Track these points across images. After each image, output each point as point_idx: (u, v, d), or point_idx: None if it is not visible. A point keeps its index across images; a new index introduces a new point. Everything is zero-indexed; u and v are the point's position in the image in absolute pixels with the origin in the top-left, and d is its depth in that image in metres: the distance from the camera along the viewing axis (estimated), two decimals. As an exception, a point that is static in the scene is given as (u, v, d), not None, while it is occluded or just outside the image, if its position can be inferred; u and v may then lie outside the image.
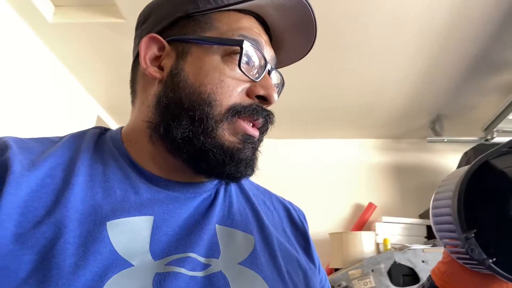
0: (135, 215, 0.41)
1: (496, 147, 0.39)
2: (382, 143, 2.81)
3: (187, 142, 0.45)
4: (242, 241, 0.48)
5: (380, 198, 2.60)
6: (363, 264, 2.03)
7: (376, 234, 2.25)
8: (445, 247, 0.45)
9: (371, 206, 2.53)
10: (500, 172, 0.38)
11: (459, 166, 2.35)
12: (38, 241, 0.34)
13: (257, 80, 0.49)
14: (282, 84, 0.59)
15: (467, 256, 0.38)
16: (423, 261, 1.91)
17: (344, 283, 2.00)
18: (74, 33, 1.74)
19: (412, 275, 1.89)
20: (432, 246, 2.01)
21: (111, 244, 0.37)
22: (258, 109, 0.48)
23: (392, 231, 2.27)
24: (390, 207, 2.57)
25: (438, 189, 0.45)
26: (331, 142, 2.85)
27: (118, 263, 0.36)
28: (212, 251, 0.44)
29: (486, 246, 0.37)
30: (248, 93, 0.48)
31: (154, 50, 0.50)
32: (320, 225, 2.61)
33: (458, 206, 0.38)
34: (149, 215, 0.42)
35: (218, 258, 0.43)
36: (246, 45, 0.47)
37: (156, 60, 0.50)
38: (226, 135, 0.46)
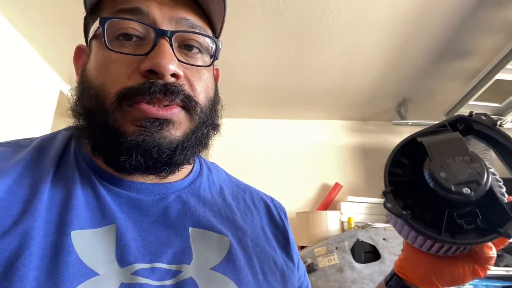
0: (97, 227, 0.39)
1: (427, 127, 0.45)
2: (350, 125, 2.87)
3: (90, 139, 0.43)
4: (216, 243, 0.45)
5: (346, 178, 2.68)
6: (328, 242, 2.11)
7: (341, 213, 2.33)
8: (402, 236, 0.48)
9: (337, 186, 2.61)
10: (421, 145, 0.42)
11: (421, 148, 2.46)
12: (2, 252, 0.33)
13: (146, 54, 0.42)
14: (215, 45, 0.48)
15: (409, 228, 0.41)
16: (384, 239, 2.01)
17: (309, 260, 2.07)
18: (34, 5, 1.63)
19: (373, 252, 1.98)
20: (393, 225, 2.11)
21: (76, 253, 0.36)
22: (147, 86, 0.40)
23: (356, 210, 2.35)
24: (355, 187, 2.66)
25: None
26: (300, 122, 2.88)
27: (83, 272, 0.35)
28: (184, 256, 0.42)
29: (405, 202, 0.41)
30: (140, 72, 0.42)
31: (83, 59, 0.49)
32: (288, 204, 2.65)
33: (384, 172, 0.43)
34: (111, 223, 0.40)
35: (189, 264, 0.41)
36: (109, 22, 0.42)
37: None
38: (124, 125, 0.41)
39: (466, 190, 0.36)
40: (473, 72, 2.03)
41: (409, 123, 2.45)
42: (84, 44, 0.51)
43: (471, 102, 2.04)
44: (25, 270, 0.33)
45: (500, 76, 1.75)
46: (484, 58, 1.92)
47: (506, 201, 0.38)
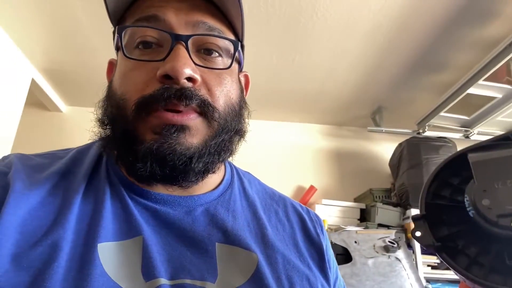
0: (123, 239, 0.39)
1: (487, 140, 0.37)
2: (326, 129, 2.93)
3: (116, 150, 0.43)
4: (243, 261, 0.43)
5: (321, 181, 2.74)
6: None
7: (315, 216, 2.38)
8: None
9: (312, 188, 2.65)
10: (468, 164, 0.36)
11: (393, 155, 2.55)
12: (33, 263, 0.33)
13: (162, 59, 0.41)
14: (234, 47, 0.46)
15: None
16: (355, 242, 2.07)
17: (283, 261, 2.10)
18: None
19: (345, 255, 2.03)
20: (364, 228, 2.18)
21: (102, 266, 0.36)
22: (162, 91, 0.40)
23: (330, 213, 2.41)
24: (329, 190, 2.72)
25: None
26: (278, 124, 2.91)
27: (108, 285, 0.35)
28: (209, 274, 0.40)
29: (447, 235, 0.34)
30: (158, 79, 0.41)
31: (113, 72, 0.49)
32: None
33: (422, 193, 0.37)
34: (138, 235, 0.40)
35: (214, 283, 0.40)
36: (126, 31, 0.43)
37: None
38: (143, 133, 0.41)
39: None
40: (446, 85, 2.13)
41: (383, 131, 2.53)
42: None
43: (442, 113, 2.15)
44: (52, 282, 0.33)
45: (472, 90, 1.85)
46: (457, 72, 2.02)
47: None
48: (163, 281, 0.38)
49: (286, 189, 2.73)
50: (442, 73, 2.08)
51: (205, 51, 0.45)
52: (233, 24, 0.49)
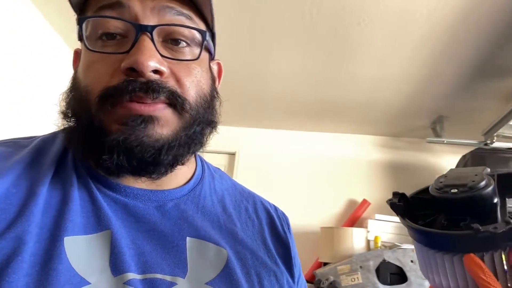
0: (91, 232, 0.38)
1: None
2: (381, 140, 2.79)
3: (80, 141, 0.41)
4: (213, 256, 0.43)
5: (374, 195, 2.60)
6: (352, 260, 2.04)
7: (368, 231, 2.26)
8: None
9: (365, 202, 2.53)
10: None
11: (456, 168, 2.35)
12: None
13: (127, 51, 0.40)
14: (202, 36, 0.45)
15: None
16: (412, 261, 1.92)
17: (331, 278, 2.02)
18: None
19: (400, 274, 1.90)
20: (422, 247, 2.02)
21: (68, 260, 0.35)
22: (126, 84, 0.38)
23: (383, 229, 2.27)
24: (384, 205, 2.56)
25: None
26: (329, 136, 2.83)
27: (74, 280, 0.34)
28: (179, 268, 0.40)
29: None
30: (122, 70, 0.39)
31: (78, 63, 0.48)
32: (312, 218, 2.62)
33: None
34: (106, 229, 0.39)
35: (184, 278, 0.40)
36: (87, 22, 0.41)
37: None
38: (107, 125, 0.39)
39: (453, 190, 0.34)
40: (513, 91, 1.93)
41: (445, 142, 2.35)
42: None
43: (512, 122, 1.94)
44: (15, 276, 0.32)
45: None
46: (528, 76, 1.82)
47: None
48: (132, 275, 0.37)
49: (336, 202, 2.64)
50: (508, 78, 1.89)
51: (172, 41, 0.43)
52: (202, 10, 0.47)
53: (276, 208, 0.60)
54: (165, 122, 0.41)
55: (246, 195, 0.59)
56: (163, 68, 0.40)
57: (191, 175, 0.52)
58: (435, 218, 0.37)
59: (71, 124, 0.43)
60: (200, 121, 0.44)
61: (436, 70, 1.90)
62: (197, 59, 0.45)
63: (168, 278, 0.39)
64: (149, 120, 0.39)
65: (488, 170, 0.38)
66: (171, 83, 0.42)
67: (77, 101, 0.42)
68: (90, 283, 0.35)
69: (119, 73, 0.40)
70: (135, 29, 0.40)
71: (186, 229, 0.44)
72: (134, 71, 0.39)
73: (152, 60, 0.39)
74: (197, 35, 0.45)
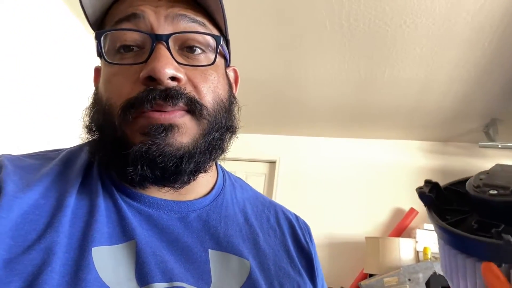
0: (117, 243, 0.39)
1: None
2: (429, 146, 2.66)
3: (105, 154, 0.42)
4: (236, 268, 0.44)
5: (422, 204, 2.47)
6: (400, 272, 1.95)
7: (416, 242, 2.15)
8: None
9: (412, 211, 2.42)
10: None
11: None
12: (26, 268, 0.33)
13: (144, 61, 0.41)
14: (216, 42, 0.45)
15: None
16: (465, 275, 1.80)
17: (378, 290, 1.93)
18: None
19: (452, 288, 1.78)
20: (477, 259, 1.89)
21: (96, 271, 0.35)
22: (145, 94, 0.39)
23: (434, 239, 2.15)
24: (433, 214, 2.44)
25: None
26: (372, 142, 2.74)
27: None
28: (203, 280, 0.40)
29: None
30: (141, 81, 0.40)
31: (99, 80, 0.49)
32: (356, 227, 2.54)
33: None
34: (131, 239, 0.39)
35: None
36: (104, 36, 0.42)
37: None
38: (131, 137, 0.40)
39: (492, 191, 0.31)
40: None
41: (499, 146, 2.20)
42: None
43: None
44: (46, 287, 0.32)
45: None
46: None
47: None
48: (158, 285, 0.37)
49: (382, 211, 2.54)
50: None
51: (187, 49, 0.44)
52: (215, 18, 0.47)
53: (297, 217, 0.60)
54: (185, 130, 0.41)
55: (267, 204, 0.58)
56: (180, 75, 0.41)
57: (213, 184, 0.53)
58: (466, 217, 0.33)
59: (95, 137, 0.44)
60: (218, 127, 0.44)
61: (487, 70, 1.78)
62: (212, 64, 0.45)
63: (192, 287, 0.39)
64: (169, 128, 0.40)
65: None
66: (189, 90, 0.42)
67: (101, 115, 0.43)
68: None
69: (139, 84, 0.40)
70: (150, 39, 0.41)
71: (209, 241, 0.44)
72: (153, 80, 0.40)
73: (169, 67, 0.40)
74: (211, 41, 0.45)
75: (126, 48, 0.42)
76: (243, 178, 3.02)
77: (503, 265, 0.29)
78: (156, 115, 0.40)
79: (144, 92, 0.40)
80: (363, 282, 2.09)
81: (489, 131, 2.29)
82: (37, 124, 1.56)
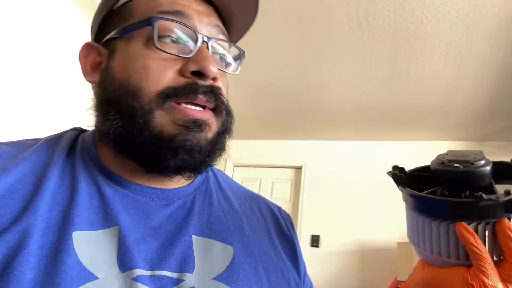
0: (99, 228, 0.39)
1: None
2: (461, 146, 2.55)
3: (122, 138, 0.42)
4: (220, 253, 0.44)
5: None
6: (435, 279, 1.85)
7: (451, 247, 2.04)
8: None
9: (446, 215, 2.31)
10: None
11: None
12: (1, 250, 0.33)
13: (190, 56, 0.43)
14: (241, 56, 0.51)
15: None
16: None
17: (411, 298, 1.85)
18: None
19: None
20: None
21: (76, 255, 0.35)
22: (194, 87, 0.42)
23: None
24: (470, 217, 2.32)
25: None
26: (401, 144, 2.65)
27: (82, 274, 0.34)
28: (186, 264, 0.40)
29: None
30: (182, 73, 0.42)
31: (93, 57, 0.49)
32: (387, 233, 2.44)
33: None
34: (114, 225, 0.39)
35: (191, 273, 0.40)
36: (159, 22, 0.43)
37: (99, 66, 0.49)
38: (164, 125, 0.41)
39: (456, 164, 0.37)
40: None
41: (538, 143, 2.06)
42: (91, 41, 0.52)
43: None
44: (22, 269, 0.32)
45: None
46: None
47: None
48: (140, 271, 0.37)
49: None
50: None
51: (219, 55, 0.48)
52: (231, 32, 0.53)
53: (279, 208, 0.61)
54: (211, 127, 0.44)
55: (250, 195, 0.60)
56: (219, 76, 0.45)
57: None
58: (435, 189, 0.38)
59: (113, 120, 0.44)
60: (228, 129, 0.48)
61: (519, 63, 1.69)
62: (236, 72, 0.50)
63: (175, 275, 0.39)
64: (203, 125, 0.43)
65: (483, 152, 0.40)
66: (223, 91, 0.46)
67: (126, 97, 0.43)
68: (98, 278, 0.35)
69: (178, 76, 0.43)
70: (197, 37, 0.44)
71: (192, 227, 0.45)
72: (199, 75, 0.43)
73: (216, 67, 0.43)
74: (236, 52, 0.50)
75: (169, 38, 0.44)
76: (269, 185, 2.99)
77: (476, 224, 0.34)
78: (195, 112, 0.42)
79: (192, 85, 0.42)
80: (396, 290, 2.01)
81: (527, 127, 2.16)
82: (33, 123, 1.59)
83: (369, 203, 2.60)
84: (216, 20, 0.48)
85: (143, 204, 0.44)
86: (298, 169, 2.98)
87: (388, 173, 0.42)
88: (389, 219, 2.46)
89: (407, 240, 1.92)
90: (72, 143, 0.48)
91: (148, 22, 0.43)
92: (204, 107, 0.43)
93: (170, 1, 0.45)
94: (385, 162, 2.62)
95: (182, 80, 0.42)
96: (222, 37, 0.48)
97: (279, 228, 0.56)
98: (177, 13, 0.44)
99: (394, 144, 2.67)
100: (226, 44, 0.49)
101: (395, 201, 2.53)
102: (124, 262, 0.37)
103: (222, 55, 0.49)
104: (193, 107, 0.43)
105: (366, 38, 1.65)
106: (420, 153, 2.60)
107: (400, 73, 1.88)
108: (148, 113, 0.41)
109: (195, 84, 0.42)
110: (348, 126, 2.58)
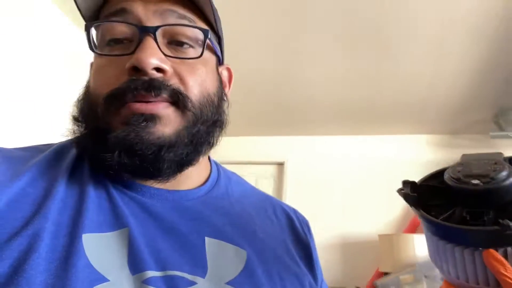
0: (109, 230, 0.39)
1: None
2: (439, 139, 2.62)
3: (89, 144, 0.42)
4: (232, 257, 0.43)
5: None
6: (416, 269, 1.91)
7: (431, 237, 2.11)
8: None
9: (425, 207, 2.38)
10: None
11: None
12: (12, 254, 0.33)
13: (131, 53, 0.41)
14: (204, 35, 0.45)
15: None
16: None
17: (394, 289, 1.90)
18: None
19: None
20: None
21: (87, 257, 0.35)
22: (132, 84, 0.40)
23: (448, 234, 2.11)
24: (447, 208, 2.40)
25: None
26: (381, 138, 2.71)
27: (93, 277, 0.34)
28: (198, 268, 0.40)
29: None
30: (124, 72, 0.41)
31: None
32: (368, 225, 2.50)
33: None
34: (124, 227, 0.39)
35: (204, 277, 0.40)
36: (93, 28, 0.43)
37: None
38: (115, 126, 0.40)
39: (474, 181, 0.33)
40: None
41: (510, 135, 2.15)
42: None
43: None
44: (32, 272, 0.32)
45: None
46: None
47: None
48: (152, 273, 0.37)
49: (395, 208, 2.51)
50: None
51: (176, 43, 0.44)
52: (204, 12, 0.48)
53: (295, 211, 0.60)
54: (168, 121, 0.41)
55: (264, 197, 0.59)
56: (165, 66, 0.41)
57: (206, 177, 0.53)
58: (454, 211, 0.34)
59: (81, 128, 0.44)
60: (204, 120, 0.44)
61: (494, 59, 1.75)
62: (200, 56, 0.45)
63: (188, 276, 0.39)
64: (151, 119, 0.40)
65: (503, 155, 0.37)
66: (174, 81, 0.42)
67: (87, 105, 0.43)
68: (109, 280, 0.35)
69: (124, 75, 0.41)
70: (138, 30, 0.42)
71: (204, 229, 0.44)
72: (138, 71, 0.40)
73: (153, 58, 0.40)
74: (200, 36, 0.45)
75: (116, 40, 0.43)
76: (253, 182, 2.97)
77: (498, 249, 0.31)
78: (138, 105, 0.40)
79: (127, 82, 0.40)
80: (378, 281, 2.06)
81: (499, 120, 2.25)
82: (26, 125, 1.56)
83: (350, 197, 2.65)
84: (167, 5, 0.44)
85: (150, 206, 0.43)
86: (280, 165, 3.00)
87: (399, 192, 0.38)
88: (371, 212, 2.52)
89: (388, 232, 1.97)
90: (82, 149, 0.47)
91: (85, 29, 0.43)
92: (153, 101, 0.41)
93: (117, 1, 0.44)
94: (367, 157, 2.68)
95: (124, 79, 0.41)
96: (176, 21, 0.44)
97: (294, 232, 0.55)
98: (119, 11, 0.43)
99: (375, 139, 2.73)
100: (182, 28, 0.44)
101: (376, 194, 2.60)
102: (135, 264, 0.37)
103: (180, 43, 0.44)
104: (141, 102, 0.40)
105: (349, 35, 1.67)
106: (399, 147, 2.67)
107: (381, 69, 1.92)
108: (98, 118, 0.41)
109: (131, 80, 0.40)
110: (329, 122, 2.61)
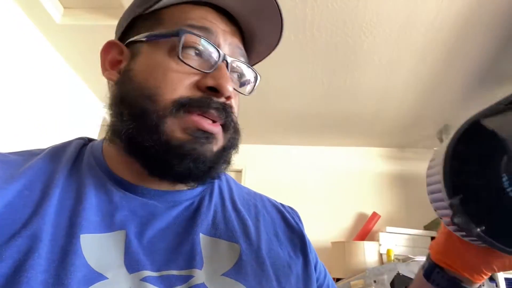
0: (106, 231, 0.40)
1: (490, 105, 0.34)
2: (388, 152, 2.78)
3: (131, 139, 0.43)
4: (226, 251, 0.46)
5: (384, 208, 2.57)
6: (366, 274, 2.00)
7: (380, 245, 2.22)
8: (441, 218, 0.40)
9: (375, 215, 2.50)
10: (492, 133, 0.33)
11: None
12: (12, 254, 0.34)
13: (209, 72, 0.45)
14: (255, 78, 0.54)
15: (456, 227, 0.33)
16: (426, 274, 1.88)
17: (345, 294, 1.97)
18: (81, 34, 1.75)
19: (415, 288, 1.85)
20: (436, 259, 1.98)
21: (84, 257, 0.36)
22: (208, 101, 0.44)
23: (396, 241, 2.23)
24: (395, 217, 2.54)
25: (432, 155, 0.40)
26: (335, 149, 2.82)
27: (91, 275, 0.35)
28: (195, 261, 0.42)
29: (476, 215, 0.32)
30: (199, 86, 0.45)
31: (113, 55, 0.51)
32: (322, 233, 2.58)
33: (444, 171, 0.34)
34: (121, 228, 0.41)
35: (200, 270, 0.41)
36: (186, 35, 0.45)
37: (118, 64, 0.50)
38: (174, 131, 0.43)
39: None
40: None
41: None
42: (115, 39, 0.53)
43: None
44: (33, 272, 0.33)
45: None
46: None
47: None
48: (148, 273, 0.38)
49: (346, 216, 2.61)
50: (511, 84, 1.89)
51: (237, 76, 0.52)
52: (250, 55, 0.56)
53: (282, 204, 0.64)
54: (219, 142, 0.46)
55: (253, 194, 0.62)
56: (232, 96, 0.47)
57: None
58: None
59: (125, 121, 0.44)
60: (233, 144, 0.50)
61: (439, 78, 1.91)
62: (249, 94, 0.54)
63: (184, 272, 0.40)
64: (211, 137, 0.44)
65: None
66: (234, 110, 0.49)
67: (142, 100, 0.44)
68: (107, 278, 0.36)
69: (194, 88, 0.45)
70: (219, 55, 0.46)
71: (199, 227, 0.46)
72: (214, 91, 0.45)
73: (231, 86, 0.46)
74: (249, 75, 0.53)
75: (192, 50, 0.46)
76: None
77: None
78: (205, 123, 0.44)
79: (205, 98, 0.44)
80: (330, 287, 2.13)
81: (442, 137, 2.43)
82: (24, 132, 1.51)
83: (305, 205, 2.72)
84: (238, 42, 0.51)
85: (151, 206, 0.45)
86: (238, 172, 3.01)
87: (454, 221, 0.33)
88: (324, 220, 2.60)
89: (340, 239, 2.06)
90: (78, 152, 0.49)
91: (177, 33, 0.45)
92: (214, 121, 0.45)
93: (200, 16, 0.48)
94: (322, 167, 2.78)
95: (197, 93, 0.44)
96: (241, 58, 0.51)
97: (286, 222, 0.58)
98: (204, 29, 0.47)
99: (331, 150, 2.83)
100: (244, 66, 0.51)
101: (330, 203, 2.68)
102: (131, 264, 0.38)
103: (239, 75, 0.52)
104: (206, 120, 0.44)
105: (310, 49, 1.74)
106: (352, 158, 2.79)
107: (338, 83, 2.01)
108: (160, 118, 0.42)
109: (210, 98, 0.44)
110: (287, 132, 2.68)
